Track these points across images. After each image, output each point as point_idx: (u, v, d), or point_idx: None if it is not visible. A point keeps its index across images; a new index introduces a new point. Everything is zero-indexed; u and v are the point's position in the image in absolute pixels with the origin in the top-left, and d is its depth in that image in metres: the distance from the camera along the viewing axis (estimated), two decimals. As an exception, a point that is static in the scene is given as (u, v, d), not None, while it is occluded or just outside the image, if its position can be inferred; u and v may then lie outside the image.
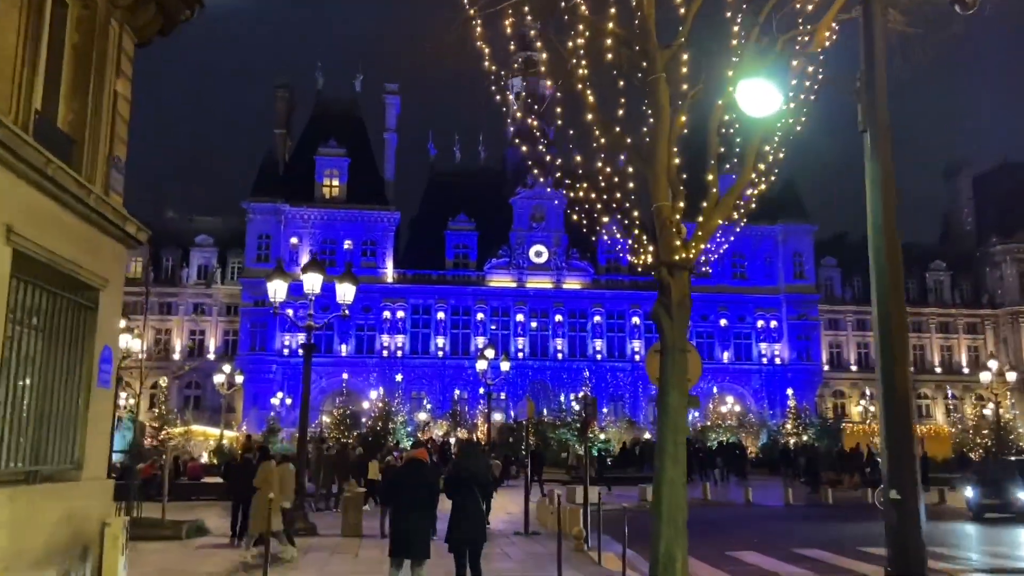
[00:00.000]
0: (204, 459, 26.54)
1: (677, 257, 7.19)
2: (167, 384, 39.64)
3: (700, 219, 7.59)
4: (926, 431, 38.18)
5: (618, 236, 8.15)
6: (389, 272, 52.36)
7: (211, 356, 51.34)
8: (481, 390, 47.45)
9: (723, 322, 53.69)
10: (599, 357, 52.30)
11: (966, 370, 57.41)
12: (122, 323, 16.94)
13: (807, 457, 27.46)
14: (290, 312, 51.24)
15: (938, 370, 57.43)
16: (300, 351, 50.92)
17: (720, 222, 7.87)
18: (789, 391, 47.60)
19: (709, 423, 42.02)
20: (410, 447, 8.23)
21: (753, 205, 7.80)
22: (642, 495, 19.88)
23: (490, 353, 22.43)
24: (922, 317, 58.10)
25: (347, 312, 12.31)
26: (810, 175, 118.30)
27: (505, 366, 25.01)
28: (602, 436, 37.15)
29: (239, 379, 29.30)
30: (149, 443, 30.27)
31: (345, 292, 12.26)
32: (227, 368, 31.80)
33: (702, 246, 7.68)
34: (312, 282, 12.12)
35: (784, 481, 24.48)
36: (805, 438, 38.01)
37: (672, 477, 6.45)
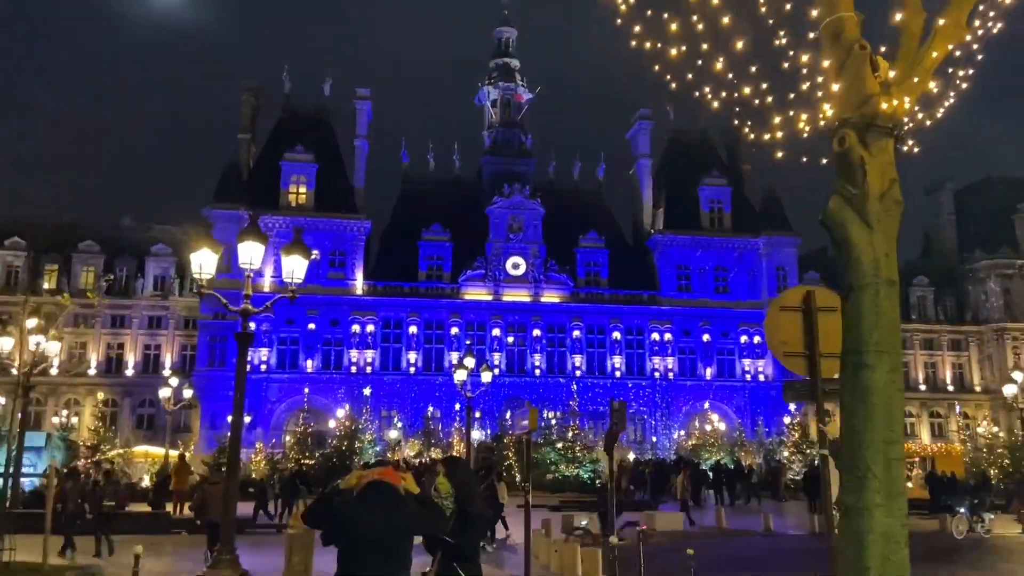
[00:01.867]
0: (146, 482, 23.78)
1: (881, 106, 3.98)
2: (101, 398, 36.40)
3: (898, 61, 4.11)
4: (937, 450, 36.49)
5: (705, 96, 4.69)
6: (359, 284, 49.78)
7: (166, 372, 48.20)
8: (457, 406, 45.13)
9: (706, 337, 51.87)
10: (578, 373, 50.08)
11: (950, 387, 56.21)
12: (32, 322, 14.39)
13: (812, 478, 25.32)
14: (252, 325, 48.48)
15: (922, 387, 56.12)
16: (263, 367, 48.36)
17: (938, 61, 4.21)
18: (791, 406, 45.72)
19: (698, 441, 39.84)
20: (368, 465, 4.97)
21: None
22: (649, 523, 17.56)
23: (470, 363, 20.17)
24: (906, 333, 56.84)
25: (294, 293, 9.94)
26: (790, 187, 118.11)
27: (487, 377, 22.73)
28: (593, 456, 34.78)
29: (188, 393, 26.57)
30: (84, 464, 27.37)
31: (294, 267, 9.90)
32: (174, 381, 28.97)
33: (916, 93, 4.17)
34: (250, 253, 9.76)
35: (811, 506, 22.21)
36: (799, 458, 36.01)
37: (887, 527, 3.74)
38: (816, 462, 29.72)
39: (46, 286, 51.18)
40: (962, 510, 20.96)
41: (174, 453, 25.88)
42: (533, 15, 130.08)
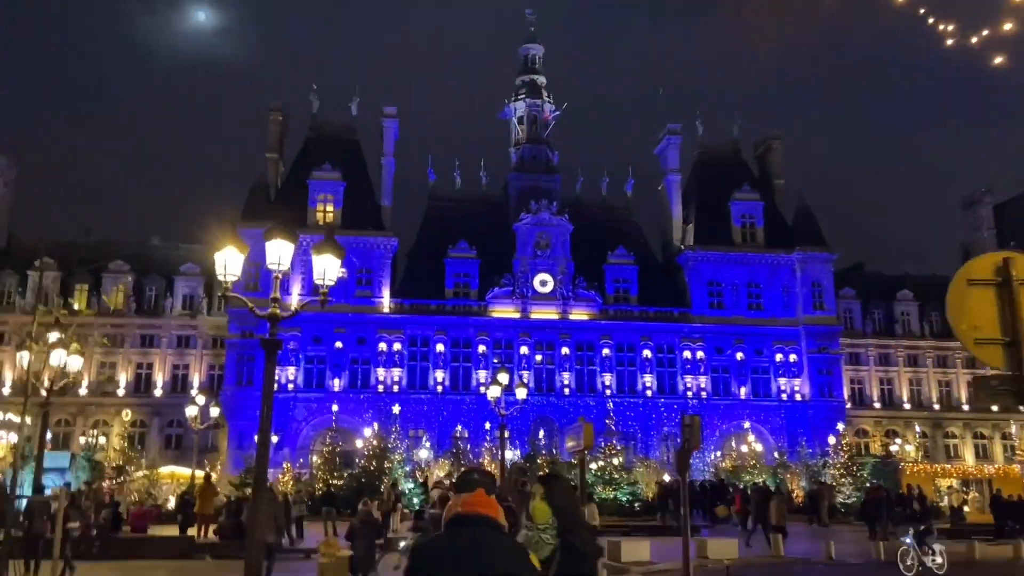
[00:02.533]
0: (172, 504, 23.23)
1: None
2: (128, 419, 36.07)
3: None
4: (995, 472, 34.95)
5: None
6: (386, 302, 49.38)
7: (193, 391, 48.05)
8: (488, 424, 44.30)
9: (739, 355, 50.62)
10: (608, 392, 49.09)
11: (995, 408, 54.26)
12: (54, 335, 13.96)
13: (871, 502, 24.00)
14: (280, 341, 48.11)
15: (965, 407, 54.26)
16: (289, 386, 48.01)
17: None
18: (840, 426, 44.23)
19: (738, 462, 38.53)
20: (455, 487, 3.51)
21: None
22: (700, 551, 16.45)
23: (504, 379, 19.47)
24: (946, 351, 55.21)
25: (326, 294, 9.27)
26: (823, 203, 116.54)
27: (521, 394, 21.94)
28: (630, 478, 33.68)
29: (215, 412, 26.12)
30: (108, 485, 26.95)
31: (326, 267, 9.20)
32: (201, 400, 28.56)
33: None
34: (278, 252, 9.10)
35: (877, 531, 20.81)
36: (849, 480, 34.50)
37: None
38: (875, 484, 28.42)
39: (76, 305, 51.52)
40: None
41: (200, 474, 25.36)
42: (560, 31, 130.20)
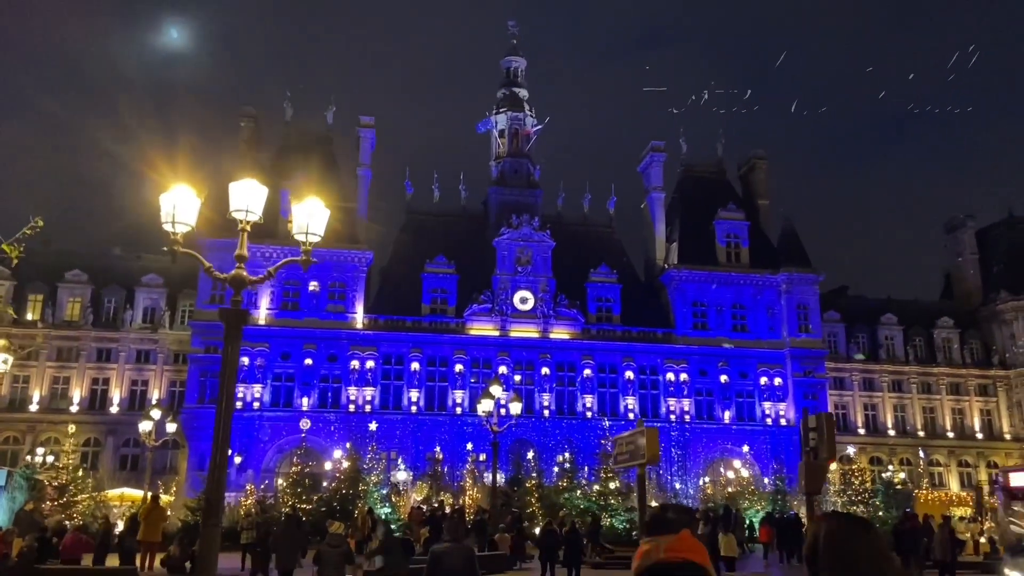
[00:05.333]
0: (119, 528, 20.76)
1: None
2: (72, 434, 33.38)
3: None
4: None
5: None
6: (359, 317, 47.24)
7: (156, 413, 45.25)
8: (470, 445, 42.08)
9: (723, 378, 49.21)
10: (589, 415, 47.30)
11: (979, 435, 53.48)
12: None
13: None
14: (246, 360, 45.19)
15: (950, 435, 53.36)
16: (255, 404, 45.50)
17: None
18: (851, 450, 42.80)
19: (737, 489, 36.77)
20: (647, 529, 2.61)
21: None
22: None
23: (497, 391, 17.62)
24: (931, 377, 54.41)
25: (308, 254, 7.36)
26: (806, 225, 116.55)
27: (516, 409, 20.04)
28: (628, 503, 31.71)
29: (171, 428, 23.77)
30: (49, 508, 24.42)
31: (310, 217, 7.21)
32: (156, 414, 26.22)
33: None
34: (247, 198, 7.13)
35: (912, 564, 19.03)
36: (861, 509, 32.84)
37: None
38: (910, 512, 26.73)
39: (30, 316, 48.67)
40: None
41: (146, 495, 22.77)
42: (543, 46, 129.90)
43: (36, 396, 47.58)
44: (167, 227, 7.30)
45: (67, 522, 21.14)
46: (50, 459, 31.33)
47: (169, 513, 22.26)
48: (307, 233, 7.56)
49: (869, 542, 2.54)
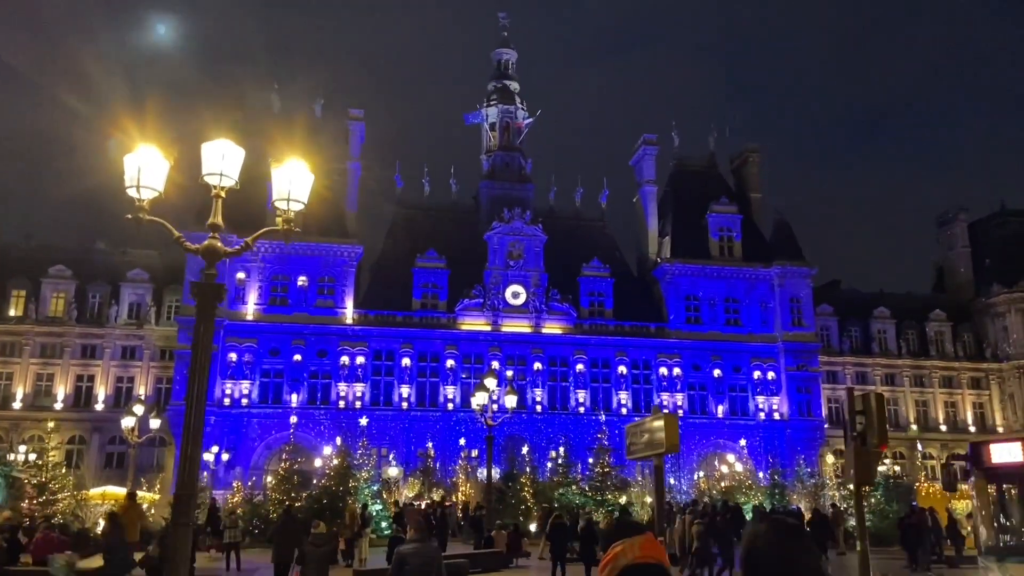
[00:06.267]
0: (101, 527, 20.09)
1: None
2: (52, 431, 32.62)
3: None
4: None
5: None
6: (349, 313, 46.60)
7: (139, 408, 44.49)
8: (462, 441, 41.62)
9: (717, 372, 48.89)
10: (582, 410, 46.86)
11: (972, 428, 53.37)
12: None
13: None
14: (233, 356, 44.34)
15: (943, 428, 53.26)
16: (244, 401, 44.80)
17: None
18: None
19: (734, 483, 36.34)
20: (614, 533, 2.49)
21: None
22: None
23: (491, 384, 17.10)
24: (923, 370, 54.30)
25: (291, 223, 6.83)
26: (797, 219, 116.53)
27: (511, 402, 19.53)
28: (623, 499, 31.21)
29: (155, 424, 23.09)
30: (27, 507, 23.74)
31: (291, 183, 6.60)
32: (139, 410, 25.56)
33: None
34: (219, 158, 6.50)
35: (919, 559, 18.62)
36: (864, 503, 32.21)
37: None
38: (916, 506, 26.20)
39: (12, 312, 47.80)
40: None
41: (143, 493, 22.05)
42: (534, 38, 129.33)
43: (19, 393, 46.73)
44: (131, 192, 6.70)
45: (30, 520, 20.41)
46: (32, 457, 30.57)
47: (152, 512, 21.64)
48: (288, 200, 6.99)
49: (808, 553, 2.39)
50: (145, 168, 6.53)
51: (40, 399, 46.95)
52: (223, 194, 6.88)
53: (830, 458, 42.90)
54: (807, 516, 26.48)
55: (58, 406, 46.34)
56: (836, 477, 37.47)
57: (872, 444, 8.91)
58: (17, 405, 46.36)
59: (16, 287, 47.95)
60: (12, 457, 29.24)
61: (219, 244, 6.72)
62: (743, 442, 45.07)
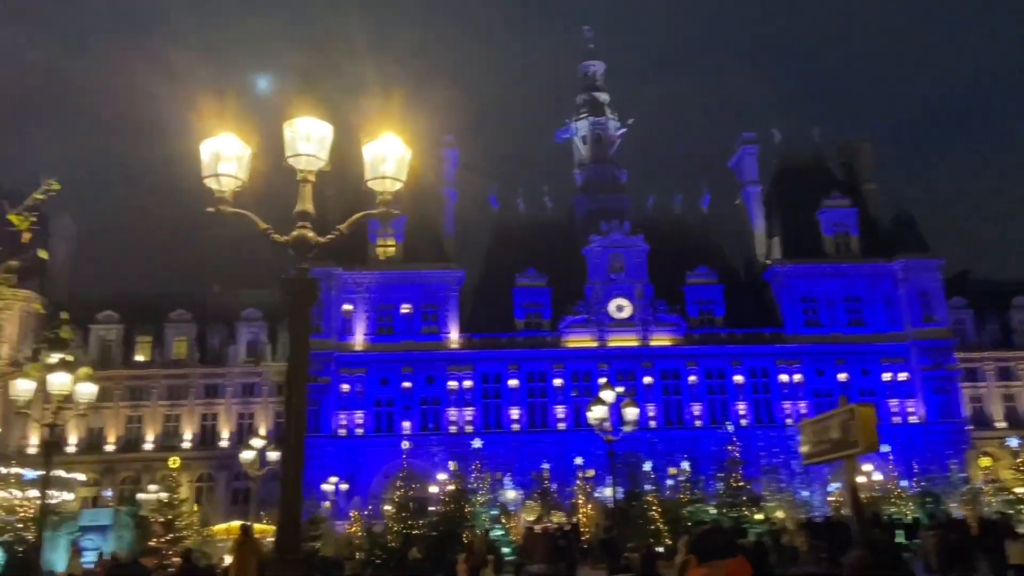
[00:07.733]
0: (227, 561, 20.16)
1: None
2: (176, 469, 33.51)
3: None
4: None
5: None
6: (453, 337, 46.59)
7: (258, 442, 45.73)
8: (579, 460, 40.22)
9: (842, 376, 45.92)
10: (697, 424, 44.95)
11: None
12: (55, 357, 11.30)
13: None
14: (346, 387, 44.75)
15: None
16: (359, 431, 45.33)
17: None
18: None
19: (877, 494, 33.78)
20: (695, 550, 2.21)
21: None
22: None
23: (609, 396, 16.19)
24: (1010, 363, 49.18)
25: (390, 202, 6.19)
26: (923, 208, 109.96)
27: (631, 414, 18.54)
28: (758, 516, 29.35)
29: (273, 456, 23.35)
30: (155, 543, 24.35)
31: (387, 158, 5.90)
32: (258, 443, 25.92)
33: None
34: (307, 137, 5.83)
35: None
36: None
37: None
38: None
39: (139, 357, 50.28)
40: None
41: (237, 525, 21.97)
42: (616, 50, 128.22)
43: (150, 436, 48.92)
44: (210, 183, 6.18)
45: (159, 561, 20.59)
46: (161, 496, 31.61)
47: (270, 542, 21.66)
48: (385, 180, 6.35)
49: None
50: (224, 151, 6.02)
51: (169, 440, 48.97)
52: (311, 178, 6.33)
53: (984, 461, 39.20)
54: (972, 526, 23.86)
55: (186, 445, 48.17)
56: (992, 483, 34.12)
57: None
58: (148, 447, 48.51)
59: (141, 333, 50.43)
60: (141, 497, 30.26)
61: (309, 233, 6.16)
62: (886, 447, 41.93)
